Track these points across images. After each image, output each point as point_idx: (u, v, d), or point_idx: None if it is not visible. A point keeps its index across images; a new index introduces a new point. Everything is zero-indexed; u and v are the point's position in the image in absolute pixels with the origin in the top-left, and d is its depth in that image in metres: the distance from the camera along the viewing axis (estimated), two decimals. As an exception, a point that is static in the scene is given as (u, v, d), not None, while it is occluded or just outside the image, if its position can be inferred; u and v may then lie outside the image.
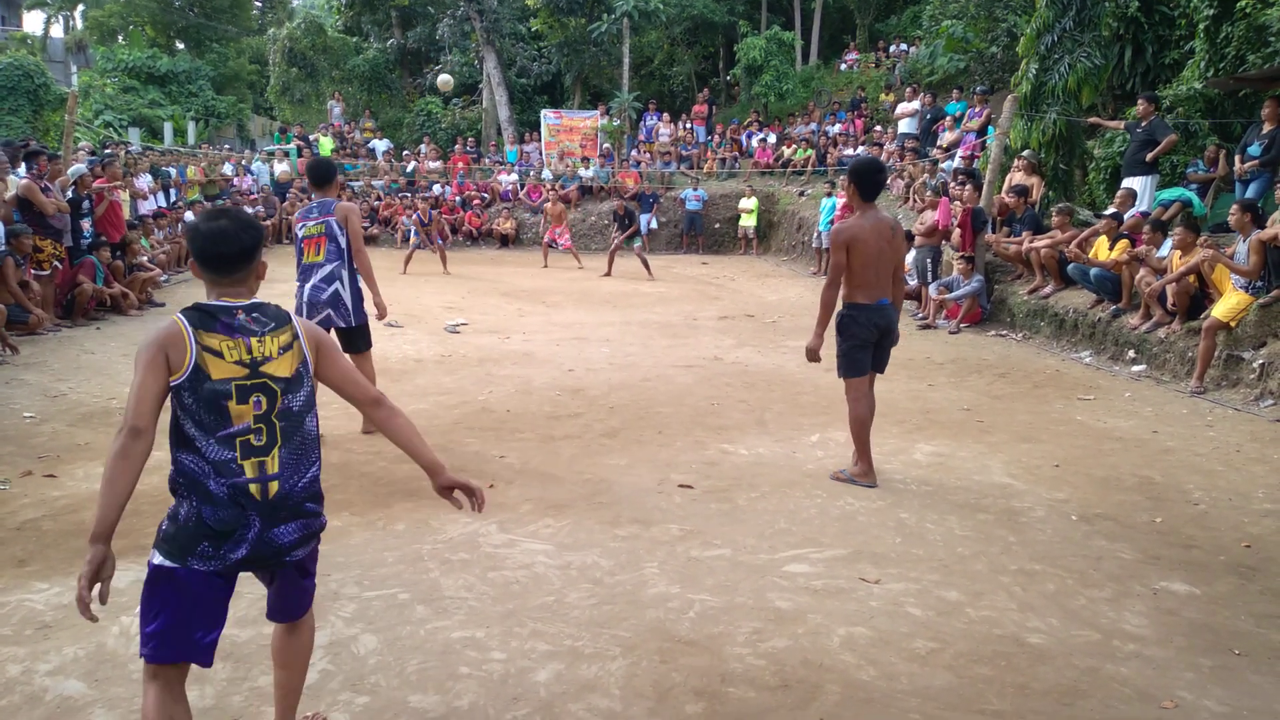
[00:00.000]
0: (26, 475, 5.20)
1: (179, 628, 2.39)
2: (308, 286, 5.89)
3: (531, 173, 23.35)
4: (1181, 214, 9.99)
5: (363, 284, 6.00)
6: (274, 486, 2.41)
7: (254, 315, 2.47)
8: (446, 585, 3.94)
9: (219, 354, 2.38)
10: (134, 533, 4.43)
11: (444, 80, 20.69)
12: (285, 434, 2.45)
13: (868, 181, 5.29)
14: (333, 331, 5.77)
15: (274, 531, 2.42)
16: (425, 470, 2.73)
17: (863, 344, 5.35)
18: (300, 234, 5.90)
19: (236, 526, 2.37)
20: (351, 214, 5.89)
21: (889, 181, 17.49)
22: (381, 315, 6.24)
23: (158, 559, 2.40)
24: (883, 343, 5.41)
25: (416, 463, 2.73)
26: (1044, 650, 3.52)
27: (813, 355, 5.48)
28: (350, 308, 5.91)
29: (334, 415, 6.15)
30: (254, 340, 2.42)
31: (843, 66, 26.15)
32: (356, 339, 6.03)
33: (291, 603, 2.66)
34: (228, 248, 2.47)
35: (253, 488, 2.39)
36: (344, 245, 5.85)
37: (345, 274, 5.88)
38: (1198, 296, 8.61)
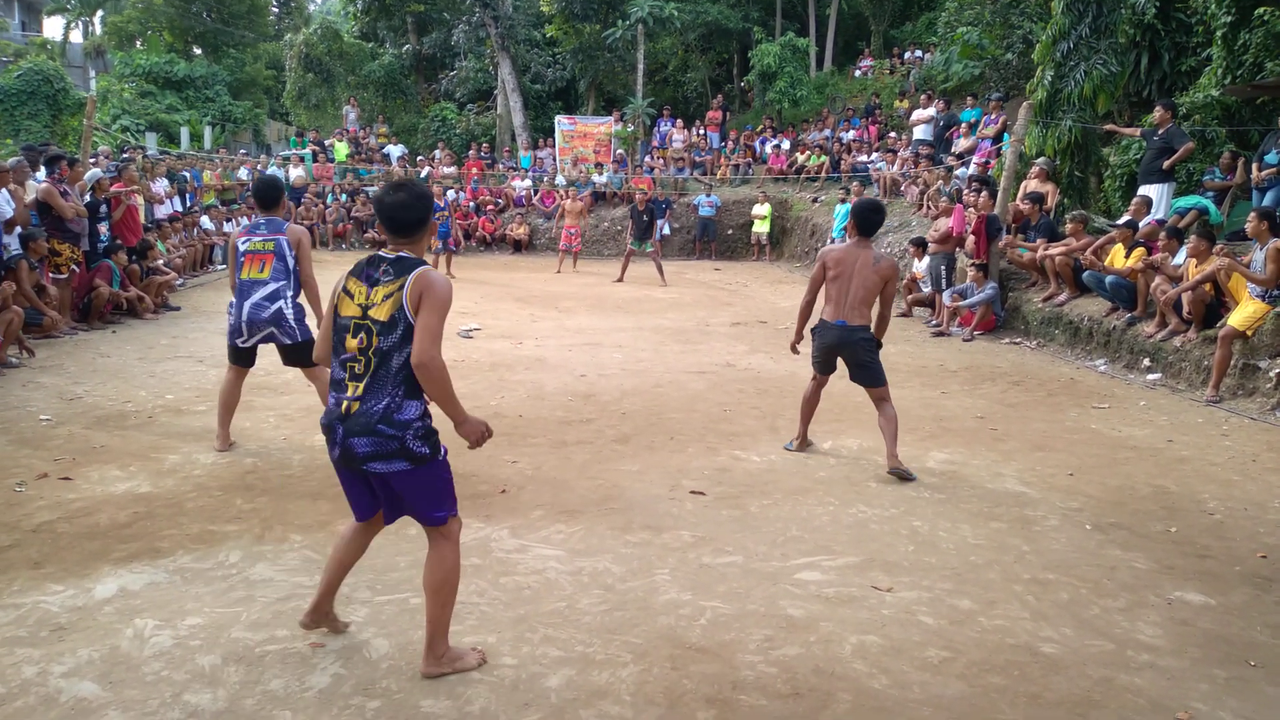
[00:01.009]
0: (42, 478, 5.23)
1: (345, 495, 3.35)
2: (248, 304, 5.68)
3: (545, 178, 23.40)
4: (1198, 222, 9.95)
5: (304, 301, 5.89)
6: (354, 406, 3.07)
7: (387, 268, 3.06)
8: (459, 590, 3.94)
9: (351, 295, 3.10)
10: (148, 535, 4.46)
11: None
12: (375, 366, 3.06)
13: (863, 220, 5.85)
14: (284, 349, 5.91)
15: (351, 441, 3.06)
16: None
17: (817, 354, 6.05)
18: (243, 248, 5.72)
19: (330, 432, 3.12)
20: (304, 238, 5.81)
21: (903, 188, 17.47)
22: None
23: None
24: (847, 359, 5.91)
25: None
26: (1057, 660, 3.50)
27: (792, 349, 6.35)
28: (293, 324, 5.77)
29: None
30: (373, 289, 3.05)
31: (857, 73, 26.11)
32: (304, 353, 5.81)
33: (393, 511, 3.28)
34: (406, 216, 3.11)
35: (345, 404, 3.09)
36: (291, 266, 5.73)
37: (289, 293, 5.75)
38: (1214, 305, 8.56)
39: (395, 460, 3.05)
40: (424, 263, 3.10)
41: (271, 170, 22.23)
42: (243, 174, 21.72)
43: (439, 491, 3.17)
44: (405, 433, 3.03)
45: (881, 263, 5.78)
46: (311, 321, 5.91)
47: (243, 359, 5.93)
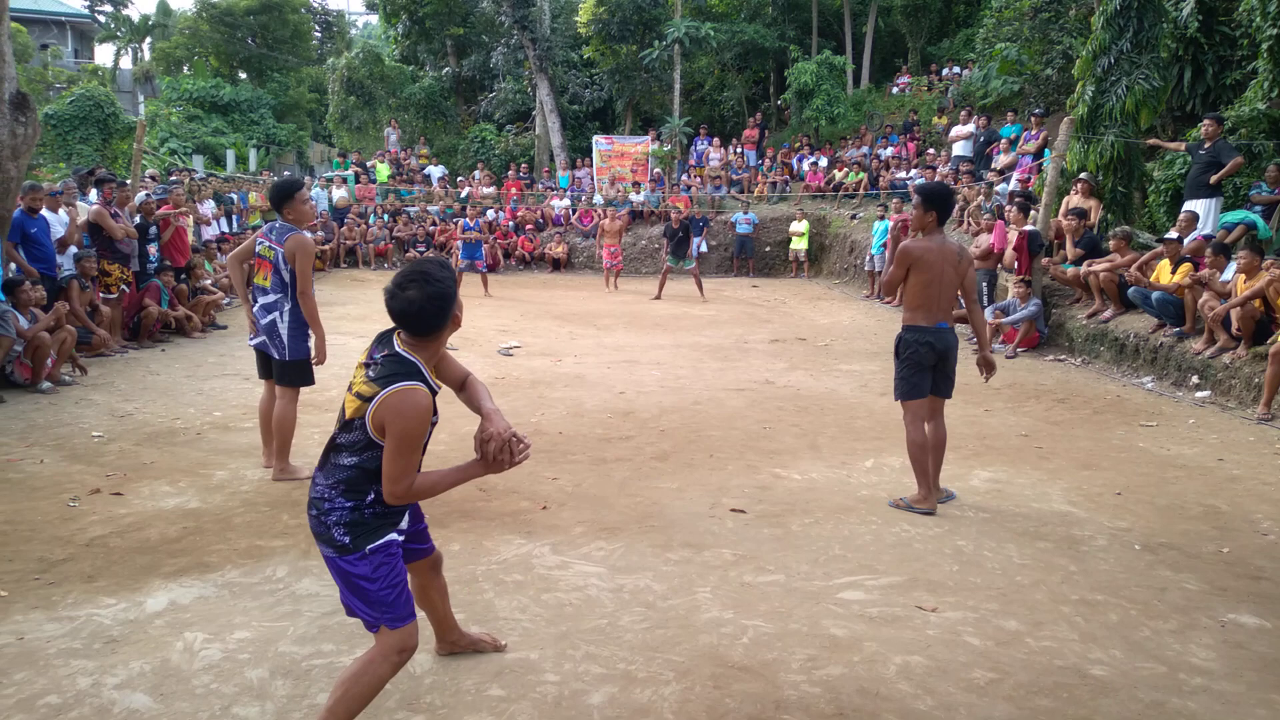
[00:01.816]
0: (95, 493, 5.34)
1: None
2: (256, 307, 5.70)
3: (583, 198, 23.55)
4: (1245, 237, 9.78)
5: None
6: (316, 476, 2.86)
7: (377, 365, 2.74)
8: (501, 606, 3.97)
9: (354, 374, 2.82)
10: (197, 550, 4.53)
11: None
12: (329, 449, 2.82)
13: (944, 205, 5.33)
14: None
15: (309, 511, 2.86)
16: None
17: (919, 367, 5.32)
18: (257, 250, 5.67)
19: None
20: (300, 251, 5.49)
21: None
22: (320, 360, 5.76)
23: None
24: (942, 367, 5.37)
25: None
26: (1107, 682, 3.44)
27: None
28: (285, 341, 5.60)
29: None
30: (364, 370, 2.77)
31: (894, 90, 26.01)
32: (287, 373, 5.68)
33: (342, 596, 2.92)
34: (415, 318, 2.73)
35: (317, 477, 2.86)
36: (287, 280, 5.57)
37: (286, 307, 5.59)
38: (1264, 321, 8.39)
39: (323, 544, 2.81)
40: (409, 377, 2.68)
41: (316, 190, 22.50)
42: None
43: (362, 592, 2.79)
44: (328, 518, 2.78)
45: (964, 258, 5.33)
46: (314, 342, 5.74)
47: (266, 371, 5.84)
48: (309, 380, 5.82)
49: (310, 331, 5.69)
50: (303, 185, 5.64)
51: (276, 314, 5.61)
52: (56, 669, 3.36)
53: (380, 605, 2.79)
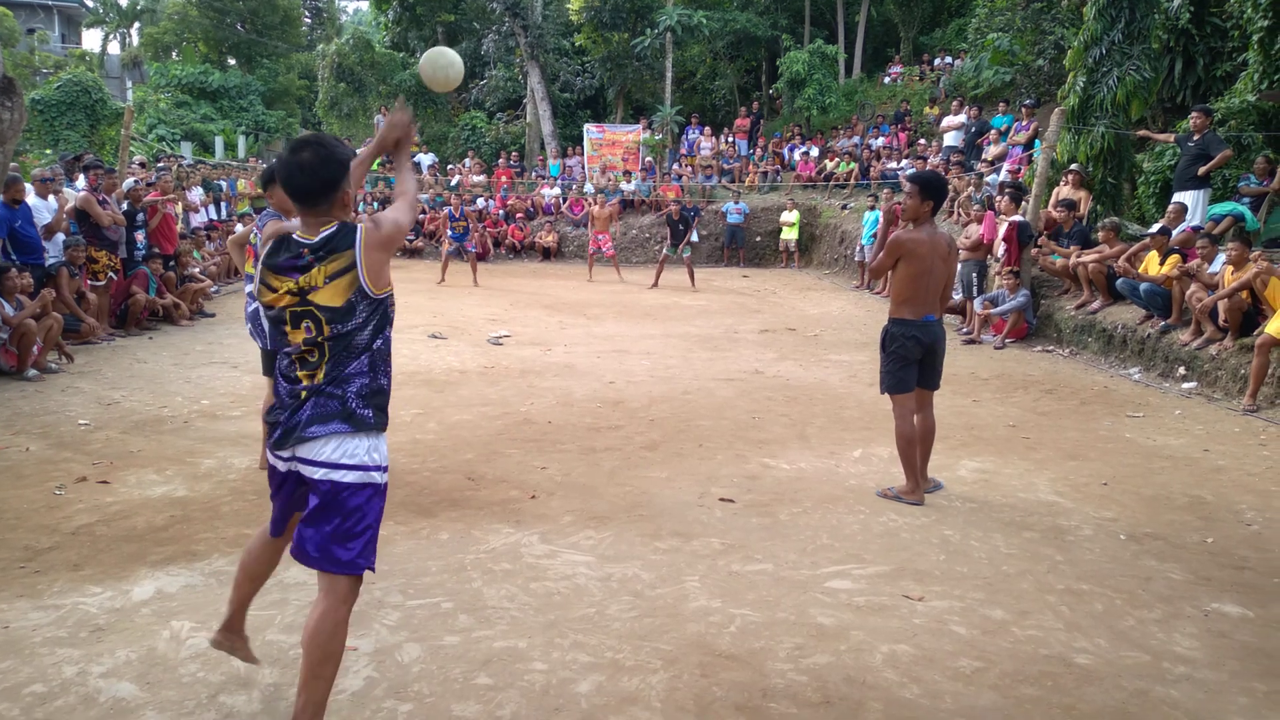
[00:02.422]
0: (81, 481, 5.32)
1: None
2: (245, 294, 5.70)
3: (574, 186, 23.49)
4: (1234, 228, 9.82)
5: None
6: (315, 379, 2.69)
7: (319, 253, 2.63)
8: (489, 595, 3.97)
9: (274, 289, 2.68)
10: (185, 539, 4.52)
11: None
12: (334, 351, 2.67)
13: (940, 193, 5.22)
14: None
15: (296, 415, 2.68)
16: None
17: (905, 361, 5.28)
18: (252, 239, 5.64)
19: (278, 422, 2.73)
20: (272, 234, 5.50)
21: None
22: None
23: None
24: (929, 360, 5.34)
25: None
26: (1092, 671, 3.46)
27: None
28: (267, 330, 5.61)
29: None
30: (302, 275, 2.63)
31: (886, 80, 26.01)
32: (267, 361, 5.49)
33: (306, 536, 2.69)
34: (305, 181, 2.63)
35: (303, 392, 2.70)
36: None
37: None
38: (1250, 312, 8.43)
39: (332, 421, 2.64)
40: (355, 224, 2.67)
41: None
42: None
43: (359, 515, 2.67)
44: (348, 390, 2.66)
45: (954, 247, 5.33)
46: None
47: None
48: None
49: None
50: None
51: (257, 302, 5.53)
52: (42, 658, 3.35)
53: (366, 537, 2.69)
